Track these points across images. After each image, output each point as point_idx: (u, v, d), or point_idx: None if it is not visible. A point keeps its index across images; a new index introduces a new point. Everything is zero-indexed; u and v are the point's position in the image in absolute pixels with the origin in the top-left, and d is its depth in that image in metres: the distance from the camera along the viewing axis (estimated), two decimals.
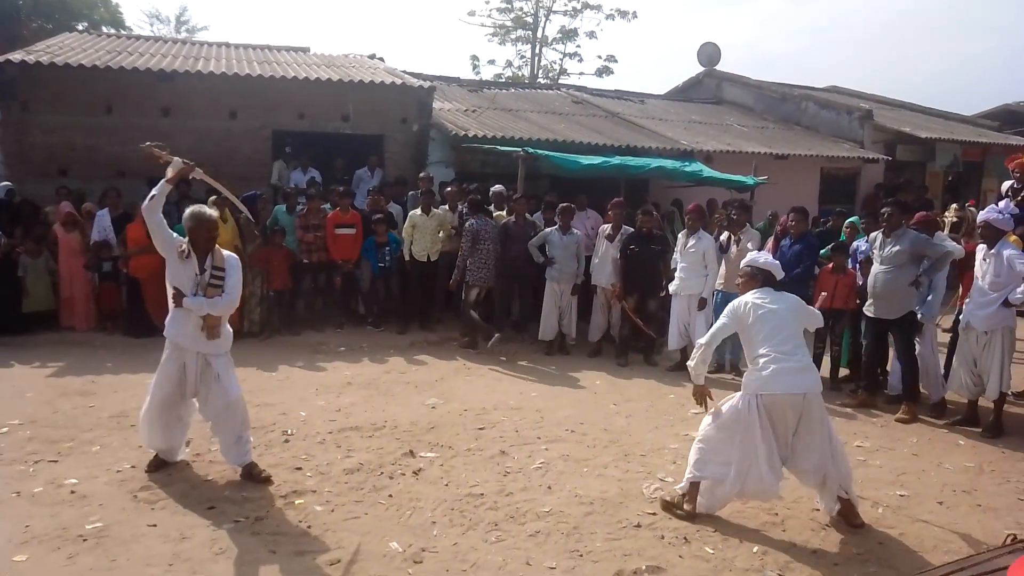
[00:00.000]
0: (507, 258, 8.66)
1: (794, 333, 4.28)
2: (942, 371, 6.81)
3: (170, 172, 4.51)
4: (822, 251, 7.61)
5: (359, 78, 11.37)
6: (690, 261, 7.86)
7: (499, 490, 4.68)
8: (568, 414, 6.31)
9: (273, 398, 6.40)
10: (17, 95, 9.91)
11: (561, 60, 31.72)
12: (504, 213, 9.25)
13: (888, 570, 3.88)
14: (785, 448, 4.23)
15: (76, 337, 8.37)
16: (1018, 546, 2.75)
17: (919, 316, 6.60)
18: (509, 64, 31.77)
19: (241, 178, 10.17)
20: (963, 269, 6.79)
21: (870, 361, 6.93)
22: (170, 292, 4.57)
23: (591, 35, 31.07)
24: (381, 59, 14.55)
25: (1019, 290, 5.85)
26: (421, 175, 9.98)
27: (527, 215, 8.98)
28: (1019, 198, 7.42)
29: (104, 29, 23.80)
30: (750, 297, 4.38)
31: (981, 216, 6.34)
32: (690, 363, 4.50)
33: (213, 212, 4.68)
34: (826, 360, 7.62)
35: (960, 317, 6.49)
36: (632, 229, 8.37)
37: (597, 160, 10.04)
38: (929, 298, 6.74)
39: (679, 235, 8.37)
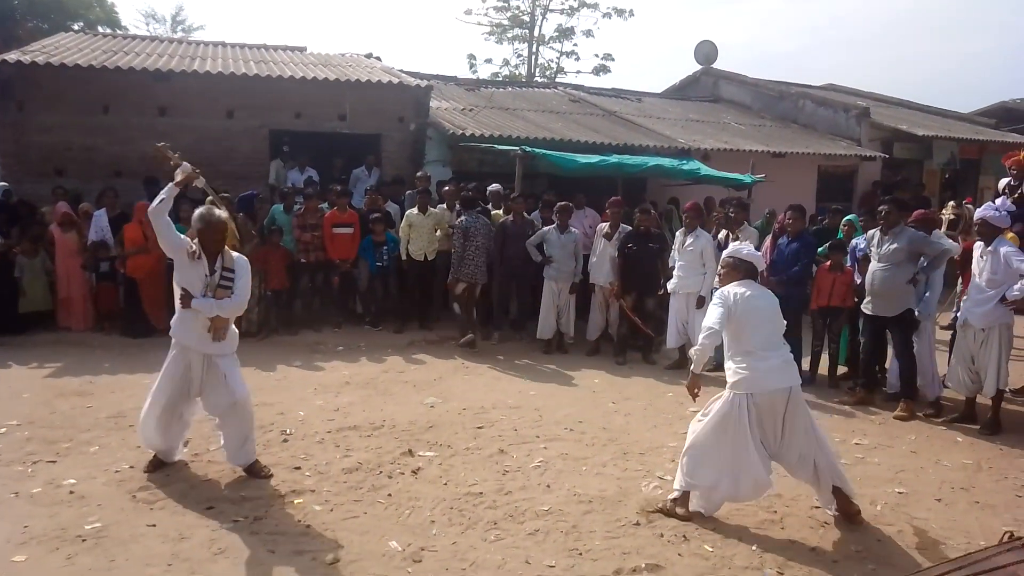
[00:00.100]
0: (505, 257, 8.66)
1: (779, 327, 4.32)
2: (938, 369, 6.82)
3: (179, 176, 4.52)
4: (820, 249, 7.62)
5: (356, 77, 11.36)
6: (688, 259, 7.87)
7: (498, 489, 4.68)
8: (567, 413, 6.32)
9: (271, 398, 6.39)
10: (13, 95, 9.88)
11: (558, 59, 31.77)
12: (501, 212, 9.26)
13: (886, 567, 3.89)
14: (774, 443, 4.23)
15: (73, 337, 8.35)
16: (1016, 544, 2.75)
17: (917, 314, 6.61)
18: (506, 63, 31.81)
19: (239, 177, 10.19)
20: (964, 267, 6.80)
21: (868, 359, 6.94)
22: (177, 293, 4.55)
23: (588, 34, 31.09)
24: (378, 58, 14.54)
25: (1016, 287, 5.85)
26: (418, 174, 9.98)
27: (525, 214, 8.99)
28: (1016, 195, 7.43)
29: (100, 29, 23.69)
30: (736, 288, 4.29)
31: (978, 213, 6.36)
32: (695, 349, 4.37)
33: (222, 213, 4.67)
34: (824, 358, 7.64)
35: (958, 314, 6.51)
36: (630, 228, 8.38)
37: (595, 159, 10.04)
38: (927, 295, 6.75)
39: (677, 233, 8.38)
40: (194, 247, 4.50)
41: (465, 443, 5.49)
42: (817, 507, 4.46)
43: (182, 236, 4.58)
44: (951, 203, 8.62)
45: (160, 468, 4.77)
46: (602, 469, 5.10)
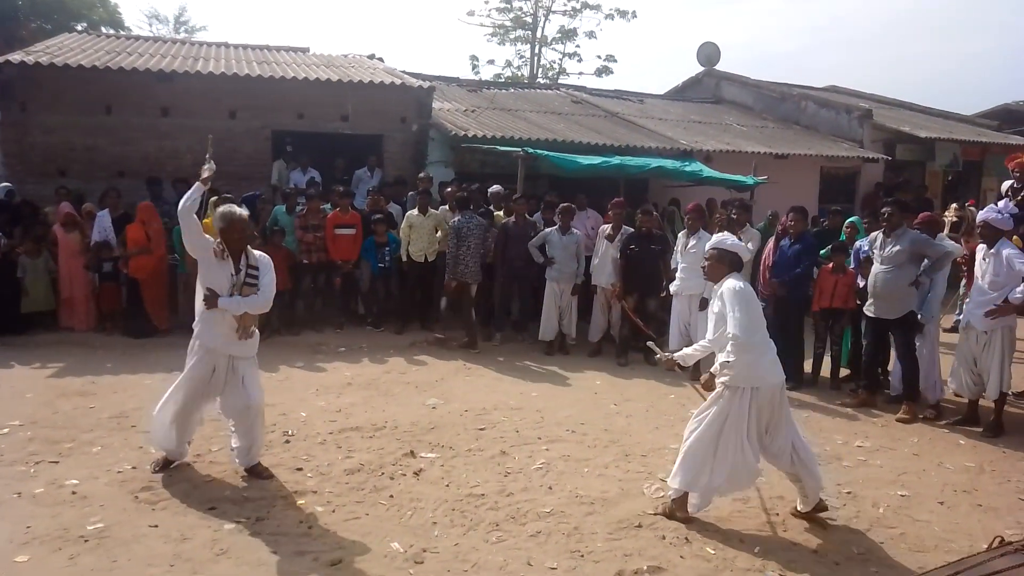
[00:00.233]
0: (507, 258, 8.67)
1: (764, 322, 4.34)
2: (941, 372, 6.81)
3: (206, 173, 4.54)
4: (822, 251, 7.61)
5: (358, 78, 11.37)
6: (691, 261, 7.84)
7: (500, 490, 4.68)
8: (568, 414, 6.32)
9: (273, 399, 6.38)
10: (16, 96, 9.91)
11: (560, 60, 31.76)
12: (502, 213, 9.26)
13: (889, 570, 3.89)
14: (763, 435, 4.24)
15: (75, 337, 8.36)
16: (1008, 548, 2.75)
17: (919, 316, 6.60)
18: (508, 64, 31.81)
19: (241, 178, 10.21)
20: (970, 268, 6.79)
21: (870, 361, 6.93)
22: (200, 294, 4.54)
23: (590, 35, 31.11)
24: (380, 59, 14.55)
25: (1019, 290, 5.84)
26: (420, 175, 9.98)
27: (527, 215, 8.99)
28: (1019, 198, 7.42)
29: (103, 29, 23.78)
30: (740, 283, 4.22)
31: (980, 216, 6.35)
32: (690, 349, 4.56)
33: (243, 211, 4.68)
34: (826, 360, 7.63)
35: (960, 317, 6.50)
36: (632, 229, 8.38)
37: (597, 160, 10.04)
38: (930, 297, 6.74)
39: (679, 235, 8.37)
40: (220, 246, 4.50)
41: (467, 444, 5.49)
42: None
43: (207, 236, 4.57)
44: (954, 205, 8.61)
45: (168, 467, 4.78)
46: (604, 471, 5.09)
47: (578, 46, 31.44)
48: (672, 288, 8.04)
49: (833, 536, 4.23)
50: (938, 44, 74.69)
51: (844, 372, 7.62)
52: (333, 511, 4.33)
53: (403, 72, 12.94)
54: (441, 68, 46.21)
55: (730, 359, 4.09)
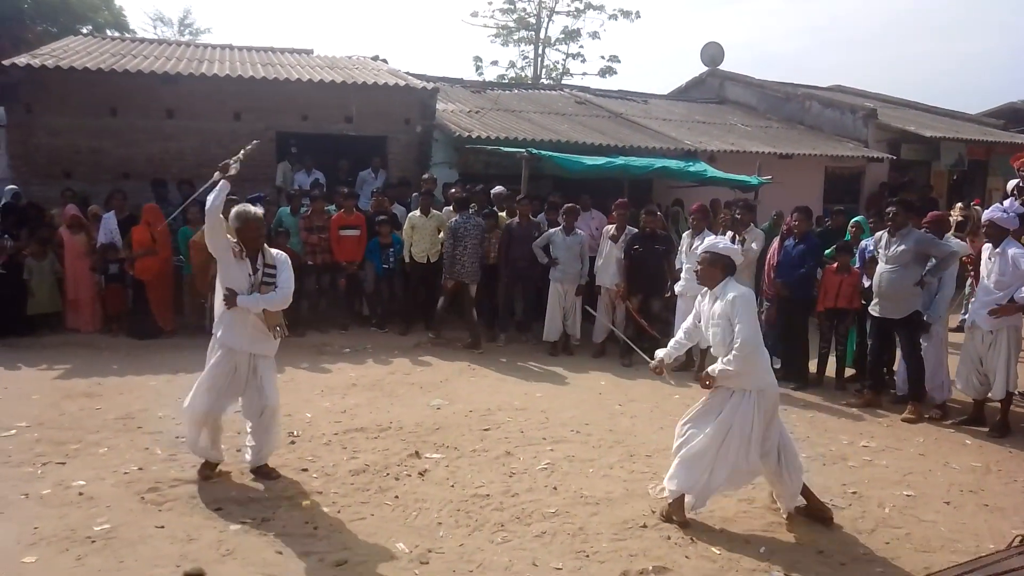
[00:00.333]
0: (511, 259, 8.67)
1: None
2: (948, 372, 6.79)
3: (233, 171, 4.55)
4: (827, 251, 7.60)
5: (362, 80, 11.38)
6: (695, 262, 7.81)
7: (505, 491, 4.68)
8: (573, 415, 6.31)
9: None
10: (22, 98, 9.93)
11: (564, 61, 31.80)
12: (505, 214, 9.26)
13: (894, 570, 3.88)
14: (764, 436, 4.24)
15: (81, 339, 8.39)
16: None
17: (925, 316, 6.59)
18: (512, 65, 31.85)
19: (245, 180, 10.12)
20: (976, 268, 6.77)
21: (875, 361, 6.92)
22: (219, 294, 4.56)
23: (594, 35, 31.15)
24: (384, 61, 14.55)
25: None
26: (424, 176, 9.99)
27: (531, 216, 8.99)
28: None
29: (108, 32, 23.86)
30: (745, 290, 4.22)
31: (986, 215, 6.34)
32: (670, 347, 4.66)
33: (259, 210, 4.69)
34: (831, 360, 7.61)
35: (965, 316, 6.48)
36: (636, 229, 8.37)
37: (601, 161, 10.04)
38: (937, 297, 6.72)
39: (684, 236, 8.36)
40: (238, 246, 4.52)
41: (472, 445, 5.50)
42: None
43: (228, 236, 4.58)
44: (959, 205, 8.61)
45: (213, 471, 4.74)
46: (609, 471, 5.09)
47: (582, 47, 31.55)
48: (676, 288, 8.02)
49: (838, 536, 4.22)
50: (938, 44, 74.57)
51: (849, 372, 7.60)
52: (338, 512, 4.34)
53: (407, 73, 12.95)
54: (445, 69, 46.27)
55: (732, 366, 4.09)
